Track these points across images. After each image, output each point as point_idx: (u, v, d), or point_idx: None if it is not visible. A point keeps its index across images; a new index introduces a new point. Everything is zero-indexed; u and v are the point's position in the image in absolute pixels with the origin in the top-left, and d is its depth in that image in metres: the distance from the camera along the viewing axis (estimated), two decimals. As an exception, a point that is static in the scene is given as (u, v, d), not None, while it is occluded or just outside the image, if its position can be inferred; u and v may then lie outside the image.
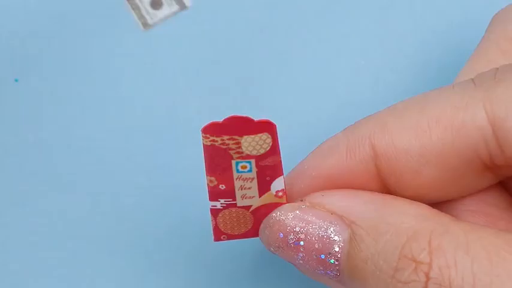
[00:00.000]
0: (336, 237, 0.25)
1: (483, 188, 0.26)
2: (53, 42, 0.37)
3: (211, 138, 0.26)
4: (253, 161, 0.26)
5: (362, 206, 0.25)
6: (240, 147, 0.26)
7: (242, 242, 0.29)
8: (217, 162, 0.26)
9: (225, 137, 0.26)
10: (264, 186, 0.27)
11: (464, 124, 0.24)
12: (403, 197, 0.26)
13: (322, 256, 0.25)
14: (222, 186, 0.27)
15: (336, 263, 0.25)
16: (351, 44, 0.37)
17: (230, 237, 0.28)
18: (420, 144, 0.25)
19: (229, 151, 0.26)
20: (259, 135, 0.26)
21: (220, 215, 0.28)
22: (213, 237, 0.28)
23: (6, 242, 0.35)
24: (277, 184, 0.27)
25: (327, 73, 0.37)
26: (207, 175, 0.27)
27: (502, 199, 0.27)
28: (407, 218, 0.24)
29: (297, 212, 0.26)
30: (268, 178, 0.27)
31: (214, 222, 0.28)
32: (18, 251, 0.35)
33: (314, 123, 0.35)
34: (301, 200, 0.27)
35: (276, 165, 0.27)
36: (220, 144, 0.26)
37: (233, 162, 0.26)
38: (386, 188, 0.26)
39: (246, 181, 0.27)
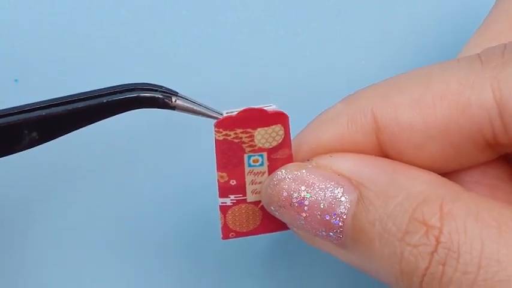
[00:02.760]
0: (343, 198, 0.25)
1: (484, 161, 0.26)
2: (52, 42, 0.37)
3: (224, 132, 0.26)
4: (265, 154, 0.26)
5: (372, 169, 0.25)
6: (252, 140, 0.26)
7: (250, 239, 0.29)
8: (229, 157, 0.26)
9: (238, 131, 0.26)
10: None
11: (470, 102, 0.24)
12: None
13: (327, 217, 0.25)
14: (233, 182, 0.27)
15: (341, 224, 0.25)
16: (351, 44, 0.37)
17: (238, 234, 0.28)
18: (424, 120, 0.25)
19: (242, 145, 0.26)
20: (273, 127, 0.26)
21: (229, 212, 0.27)
22: (221, 236, 0.28)
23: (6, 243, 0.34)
24: None
25: (327, 73, 0.37)
26: (217, 171, 0.26)
27: (504, 170, 0.27)
28: (418, 183, 0.24)
29: (303, 171, 0.25)
30: None
31: (223, 220, 0.28)
32: (20, 251, 0.34)
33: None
34: (308, 160, 0.26)
35: (287, 158, 0.26)
36: (233, 138, 0.26)
37: (245, 156, 0.26)
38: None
39: (257, 175, 0.27)
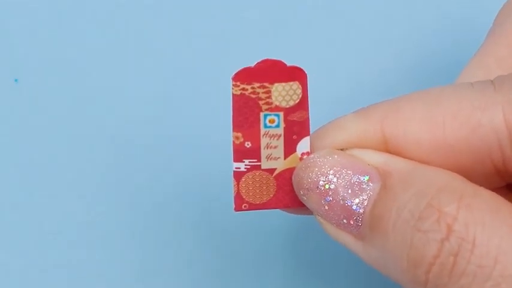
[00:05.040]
0: (367, 186, 0.25)
1: (489, 188, 0.25)
2: (52, 42, 0.37)
3: (242, 86, 0.25)
4: (281, 114, 0.26)
5: (398, 161, 0.25)
6: (269, 96, 0.26)
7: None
8: (245, 114, 0.26)
9: (256, 85, 0.25)
10: (290, 146, 0.26)
11: (481, 124, 0.24)
12: None
13: (348, 202, 0.25)
14: (248, 144, 0.26)
15: (361, 211, 0.24)
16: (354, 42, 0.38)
17: (251, 206, 0.27)
18: (432, 137, 0.25)
19: (259, 101, 0.26)
20: (290, 83, 0.26)
21: (243, 179, 0.27)
22: (234, 207, 0.27)
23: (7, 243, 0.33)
24: (303, 145, 0.27)
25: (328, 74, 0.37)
26: (233, 131, 0.26)
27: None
28: (441, 175, 0.24)
29: (335, 156, 0.25)
30: (295, 137, 0.26)
31: (236, 189, 0.27)
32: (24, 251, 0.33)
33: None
34: (342, 149, 0.26)
35: (304, 121, 0.26)
36: (250, 93, 0.25)
37: (261, 114, 0.26)
38: None
39: (272, 138, 0.26)
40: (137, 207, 0.35)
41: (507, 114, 0.24)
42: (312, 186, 0.25)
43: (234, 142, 0.26)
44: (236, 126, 0.26)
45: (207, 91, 0.37)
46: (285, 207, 0.27)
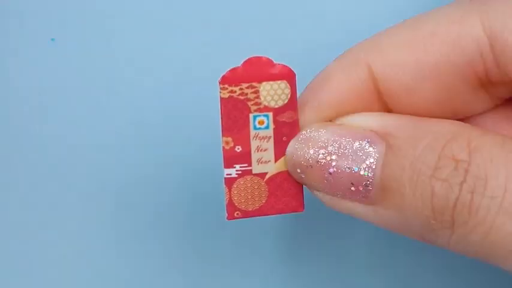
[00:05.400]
0: (371, 149, 0.24)
1: (480, 111, 0.26)
2: (91, 2, 0.36)
3: (230, 88, 0.25)
4: (270, 114, 0.26)
5: (396, 121, 0.25)
6: (258, 96, 0.25)
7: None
8: (235, 118, 0.25)
9: (244, 85, 0.25)
10: (280, 149, 0.26)
11: (460, 37, 0.24)
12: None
13: (355, 169, 0.24)
14: (238, 148, 0.26)
15: (370, 174, 0.24)
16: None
17: (244, 214, 0.27)
18: (415, 59, 0.25)
19: (248, 102, 0.25)
20: (278, 82, 0.25)
21: (234, 185, 0.26)
22: (226, 215, 0.27)
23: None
24: None
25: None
26: (223, 136, 0.26)
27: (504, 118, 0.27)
28: (444, 124, 0.24)
29: (329, 127, 0.25)
30: (284, 138, 0.26)
31: (228, 196, 0.26)
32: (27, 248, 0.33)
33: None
34: (331, 121, 0.26)
35: (293, 122, 0.26)
36: (239, 94, 0.25)
37: (251, 116, 0.26)
38: (390, 111, 0.26)
39: (262, 141, 0.26)
40: (131, 206, 0.35)
41: (485, 23, 0.24)
42: (311, 161, 0.25)
43: (224, 148, 0.26)
44: (226, 130, 0.26)
45: (198, 92, 0.36)
46: (278, 213, 0.27)
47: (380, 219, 0.25)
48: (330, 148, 0.25)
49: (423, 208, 0.23)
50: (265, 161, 0.26)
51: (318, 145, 0.25)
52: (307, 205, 0.27)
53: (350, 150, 0.25)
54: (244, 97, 0.25)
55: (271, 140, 0.26)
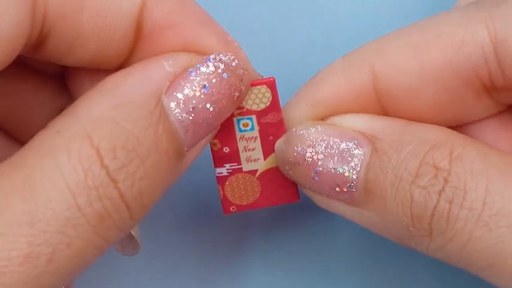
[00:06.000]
0: (357, 151, 0.24)
1: (482, 116, 0.26)
2: None
3: None
4: (254, 117, 0.26)
5: (385, 124, 0.25)
6: None
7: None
8: None
9: None
10: (268, 147, 0.27)
11: (464, 41, 0.24)
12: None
13: (340, 170, 0.25)
14: (226, 149, 0.27)
15: (354, 177, 0.24)
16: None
17: (239, 208, 0.28)
18: (419, 62, 0.24)
19: None
20: (258, 87, 0.26)
21: (227, 183, 0.27)
22: (222, 210, 0.28)
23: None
24: None
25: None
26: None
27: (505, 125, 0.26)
28: (430, 131, 0.24)
29: (319, 127, 0.25)
30: (271, 137, 0.27)
31: (222, 193, 0.27)
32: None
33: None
34: (322, 120, 0.26)
35: (279, 122, 0.26)
36: None
37: (234, 120, 0.26)
38: (387, 115, 0.26)
39: (249, 141, 0.27)
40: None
41: (490, 28, 0.24)
42: (299, 159, 0.25)
43: (212, 149, 0.27)
44: None
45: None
46: (272, 205, 0.28)
47: (363, 220, 0.25)
48: (317, 147, 0.25)
49: (403, 214, 0.23)
50: (255, 159, 0.27)
51: (306, 143, 0.25)
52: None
53: (336, 151, 0.25)
54: None
55: (258, 140, 0.27)
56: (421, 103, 0.25)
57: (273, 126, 0.26)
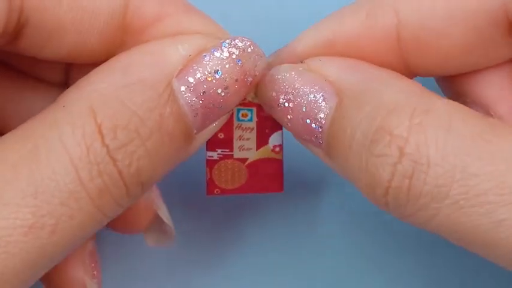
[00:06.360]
0: (323, 104, 0.24)
1: (502, 59, 0.25)
2: None
3: None
4: (254, 109, 0.26)
5: (354, 75, 0.24)
6: None
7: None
8: None
9: None
10: (262, 139, 0.27)
11: None
12: (424, 68, 0.25)
13: (308, 121, 0.24)
14: (221, 135, 0.27)
15: (319, 129, 0.24)
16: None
17: (223, 192, 0.28)
18: (447, 5, 0.24)
19: None
20: None
21: (216, 166, 0.27)
22: (206, 191, 0.28)
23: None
24: (276, 138, 0.27)
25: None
26: None
27: None
28: (393, 91, 0.23)
29: (293, 73, 0.25)
30: (267, 130, 0.27)
31: (209, 175, 0.28)
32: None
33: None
34: (301, 62, 0.25)
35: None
36: None
37: (234, 109, 0.26)
38: (404, 63, 0.25)
39: (245, 131, 0.27)
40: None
41: None
42: (273, 104, 0.25)
43: None
44: None
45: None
46: (257, 192, 0.28)
47: (332, 167, 0.25)
48: (288, 95, 0.25)
49: (358, 179, 0.23)
50: (247, 149, 0.27)
51: (280, 89, 0.25)
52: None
53: (305, 101, 0.24)
54: None
55: (254, 131, 0.27)
56: (448, 45, 0.24)
57: (271, 121, 0.27)
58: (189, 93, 0.23)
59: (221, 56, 0.24)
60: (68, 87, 0.23)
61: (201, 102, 0.24)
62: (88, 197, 0.22)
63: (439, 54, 0.25)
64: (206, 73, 0.24)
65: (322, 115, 0.24)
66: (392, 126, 0.22)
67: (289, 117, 0.25)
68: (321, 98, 0.24)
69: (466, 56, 0.25)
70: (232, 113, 0.26)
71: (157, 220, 0.30)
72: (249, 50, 0.24)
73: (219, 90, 0.24)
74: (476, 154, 0.21)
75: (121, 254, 0.32)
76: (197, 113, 0.24)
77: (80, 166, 0.21)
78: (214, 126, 0.25)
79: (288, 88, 0.25)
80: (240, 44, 0.24)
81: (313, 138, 0.24)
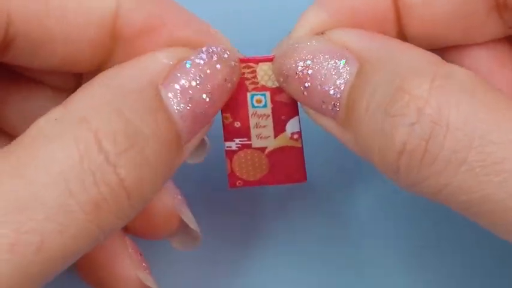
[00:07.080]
0: (344, 70, 0.24)
1: (490, 37, 0.25)
2: None
3: None
4: (268, 93, 0.26)
5: (375, 44, 0.24)
6: (255, 76, 0.26)
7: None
8: (233, 95, 0.26)
9: (241, 65, 0.26)
10: (279, 126, 0.27)
11: None
12: (414, 37, 0.25)
13: (326, 87, 0.24)
14: (237, 124, 0.27)
15: (338, 96, 0.24)
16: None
17: (246, 183, 0.28)
18: None
19: (245, 81, 0.26)
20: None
21: (235, 157, 0.27)
22: (228, 184, 0.28)
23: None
24: (293, 125, 0.27)
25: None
26: (222, 112, 0.26)
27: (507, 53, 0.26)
28: (415, 58, 0.23)
29: (313, 41, 0.25)
30: (283, 117, 0.27)
31: (229, 166, 0.27)
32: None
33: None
34: (322, 34, 0.25)
35: (292, 103, 0.26)
36: None
37: (248, 94, 0.26)
38: (401, 32, 0.26)
39: (261, 118, 0.27)
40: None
41: None
42: (290, 72, 0.25)
43: (224, 122, 0.27)
44: (224, 107, 0.26)
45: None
46: (278, 183, 0.28)
47: (346, 141, 0.25)
48: (308, 62, 0.24)
49: (372, 143, 0.22)
50: (265, 137, 0.27)
51: (298, 57, 0.25)
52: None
53: (325, 68, 0.24)
54: (242, 76, 0.26)
55: (270, 118, 0.27)
56: (433, 13, 0.25)
57: (286, 106, 0.26)
58: (177, 99, 0.24)
59: (201, 62, 0.24)
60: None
61: (188, 108, 0.24)
62: (81, 211, 0.21)
63: (426, 24, 0.25)
64: (190, 79, 0.24)
65: (341, 81, 0.24)
66: (413, 87, 0.21)
67: (306, 85, 0.24)
68: (341, 65, 0.24)
69: (452, 26, 0.25)
70: (246, 101, 0.26)
71: (183, 224, 0.30)
72: (225, 55, 0.25)
73: (204, 96, 0.24)
74: (496, 123, 0.21)
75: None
76: (186, 120, 0.24)
77: (71, 176, 0.20)
78: (198, 137, 0.25)
79: (308, 55, 0.25)
80: (216, 50, 0.25)
81: (329, 107, 0.24)
